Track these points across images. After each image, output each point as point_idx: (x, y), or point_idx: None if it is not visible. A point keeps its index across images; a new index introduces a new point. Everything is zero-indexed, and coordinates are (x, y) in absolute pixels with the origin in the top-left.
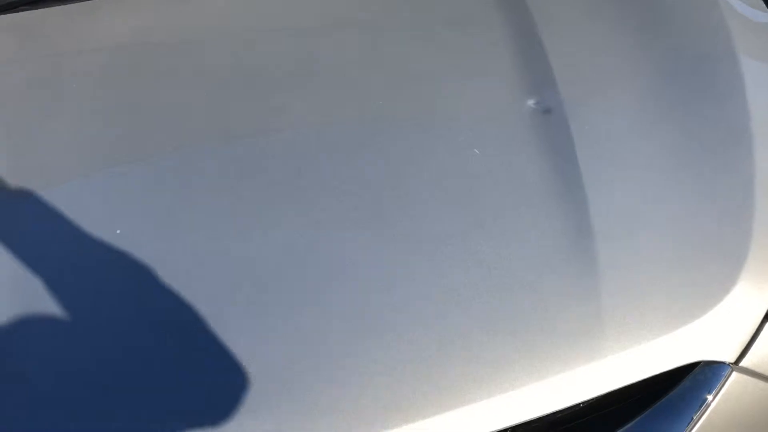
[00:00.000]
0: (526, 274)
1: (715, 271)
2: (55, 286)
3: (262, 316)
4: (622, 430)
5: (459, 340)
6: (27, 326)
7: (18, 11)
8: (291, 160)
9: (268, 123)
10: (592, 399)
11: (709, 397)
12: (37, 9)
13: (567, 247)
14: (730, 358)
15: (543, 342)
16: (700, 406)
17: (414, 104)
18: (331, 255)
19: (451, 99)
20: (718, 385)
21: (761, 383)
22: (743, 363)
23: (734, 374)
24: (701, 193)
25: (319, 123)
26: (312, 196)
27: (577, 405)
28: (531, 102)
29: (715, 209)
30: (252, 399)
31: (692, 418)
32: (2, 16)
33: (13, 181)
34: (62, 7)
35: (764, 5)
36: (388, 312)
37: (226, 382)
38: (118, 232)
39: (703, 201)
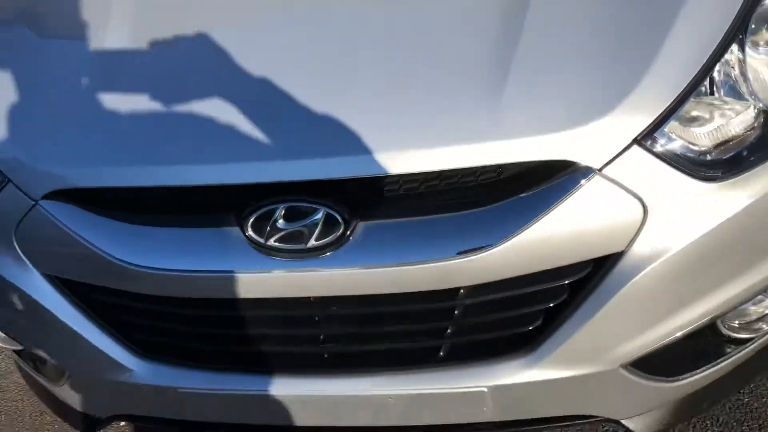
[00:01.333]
0: (452, 65)
1: (603, 96)
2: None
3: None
4: (493, 205)
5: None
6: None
7: None
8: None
9: None
10: (471, 168)
11: (572, 189)
12: None
13: (492, 55)
14: (597, 165)
15: (446, 118)
16: (563, 196)
17: None
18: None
19: None
20: (582, 183)
21: (615, 189)
22: (605, 171)
23: (597, 177)
24: (622, 37)
25: None
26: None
27: (472, 173)
28: None
29: (627, 51)
30: None
31: (553, 204)
32: None
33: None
34: None
35: None
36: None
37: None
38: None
39: (621, 45)
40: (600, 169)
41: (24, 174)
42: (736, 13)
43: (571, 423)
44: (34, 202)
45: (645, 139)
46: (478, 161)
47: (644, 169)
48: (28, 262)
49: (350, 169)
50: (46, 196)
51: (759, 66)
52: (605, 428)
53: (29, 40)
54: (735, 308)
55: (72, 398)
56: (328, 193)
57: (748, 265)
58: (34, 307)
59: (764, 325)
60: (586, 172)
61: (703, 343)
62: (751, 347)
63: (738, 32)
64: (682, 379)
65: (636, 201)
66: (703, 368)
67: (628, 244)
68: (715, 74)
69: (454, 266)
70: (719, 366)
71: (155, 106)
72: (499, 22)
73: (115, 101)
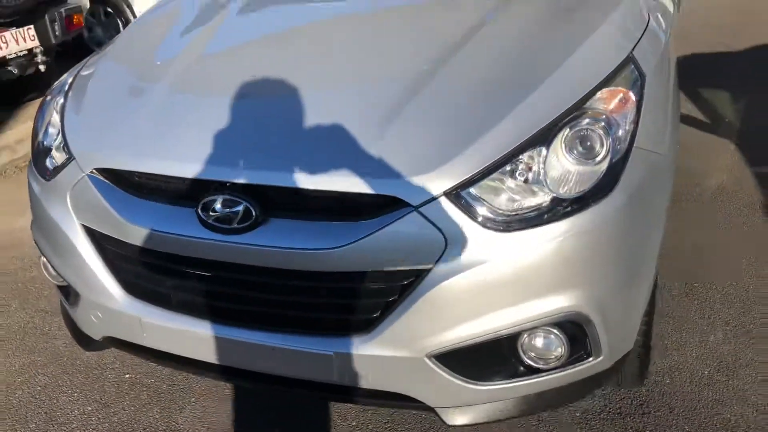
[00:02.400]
0: (355, 121)
1: (435, 157)
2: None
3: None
4: (347, 222)
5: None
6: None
7: None
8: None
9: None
10: (337, 192)
11: (397, 218)
12: None
13: (381, 114)
14: (415, 203)
15: (331, 156)
16: (391, 221)
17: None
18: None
19: None
20: (404, 214)
21: (426, 223)
22: (421, 209)
23: (414, 213)
24: (472, 119)
25: None
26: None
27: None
28: None
29: (467, 130)
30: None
31: (384, 225)
32: None
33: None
34: None
35: None
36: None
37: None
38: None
39: (467, 124)
40: (417, 207)
41: (82, 156)
42: (550, 121)
43: (397, 403)
44: (83, 174)
45: (451, 192)
46: (339, 188)
47: (448, 214)
48: (73, 214)
49: (260, 179)
50: (91, 172)
51: (565, 164)
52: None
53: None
54: (517, 333)
55: (80, 320)
56: (250, 194)
57: (522, 299)
58: (71, 247)
59: (557, 363)
60: (408, 208)
61: (503, 360)
62: (548, 378)
63: (547, 136)
64: (485, 384)
65: (440, 234)
66: (504, 382)
67: (435, 264)
68: (525, 163)
69: (316, 256)
70: (519, 384)
71: (164, 125)
72: (404, 85)
73: (143, 119)
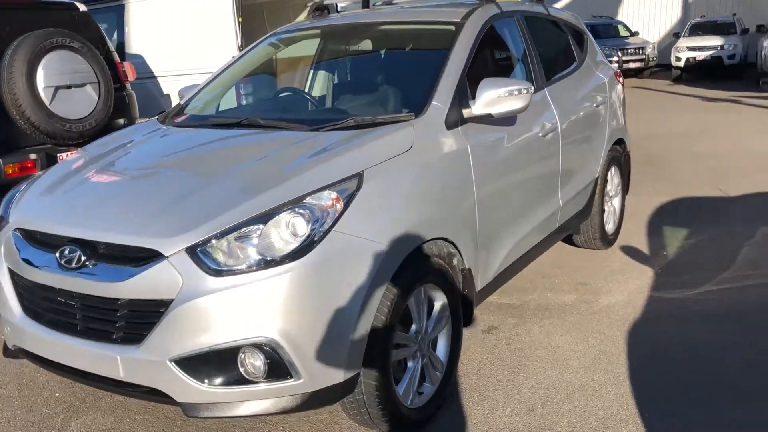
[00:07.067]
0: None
1: (192, 224)
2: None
3: None
4: (124, 266)
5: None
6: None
7: None
8: None
9: None
10: (119, 245)
11: (154, 264)
12: None
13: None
14: (167, 254)
15: (132, 220)
16: (151, 266)
17: None
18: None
19: None
20: (159, 262)
21: (172, 268)
22: (170, 259)
23: (165, 261)
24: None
25: None
26: None
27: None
28: None
29: (222, 209)
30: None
31: (146, 268)
32: None
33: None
34: None
35: None
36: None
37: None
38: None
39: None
40: (167, 257)
41: (13, 222)
42: (270, 207)
43: (160, 398)
44: (10, 232)
45: (189, 249)
46: (128, 243)
47: (185, 263)
48: (3, 258)
49: (89, 235)
50: (14, 230)
51: (279, 235)
52: None
53: (46, 176)
54: (233, 348)
55: (3, 333)
56: (86, 245)
57: (230, 323)
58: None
59: (261, 377)
60: (162, 257)
61: (226, 369)
62: (258, 388)
63: (268, 217)
64: (212, 387)
65: (179, 275)
66: (227, 387)
67: (176, 295)
68: (246, 233)
69: (107, 286)
70: (237, 390)
71: (52, 208)
72: (190, 185)
73: (45, 205)
